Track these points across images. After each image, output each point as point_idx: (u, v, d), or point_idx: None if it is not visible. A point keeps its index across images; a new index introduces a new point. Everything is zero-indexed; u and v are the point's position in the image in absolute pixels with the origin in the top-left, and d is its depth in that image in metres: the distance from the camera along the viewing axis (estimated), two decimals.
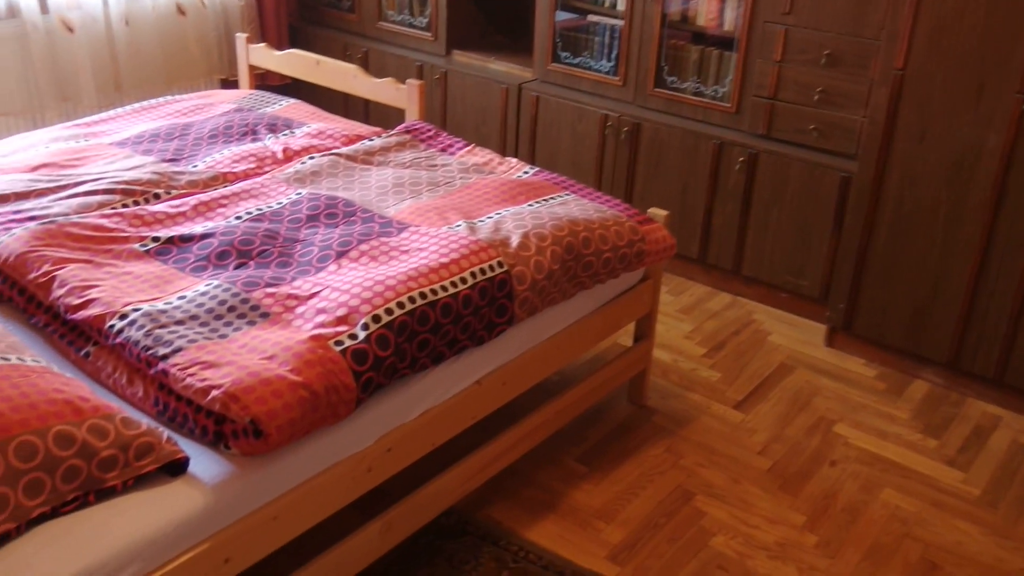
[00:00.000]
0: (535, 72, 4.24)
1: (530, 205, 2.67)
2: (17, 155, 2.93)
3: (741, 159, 3.60)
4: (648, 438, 2.94)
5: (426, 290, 2.15)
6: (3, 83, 3.89)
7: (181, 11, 4.41)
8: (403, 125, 3.34)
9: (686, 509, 2.64)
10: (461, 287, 2.21)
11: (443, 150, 3.17)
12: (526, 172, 3.00)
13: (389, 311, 2.05)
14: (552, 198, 2.75)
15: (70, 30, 3.98)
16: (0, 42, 3.85)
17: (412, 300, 2.11)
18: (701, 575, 2.41)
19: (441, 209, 2.62)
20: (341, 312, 2.04)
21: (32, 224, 2.31)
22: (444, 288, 2.19)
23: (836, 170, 3.39)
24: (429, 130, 3.29)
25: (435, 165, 3.00)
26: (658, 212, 2.87)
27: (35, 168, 2.79)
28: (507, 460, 2.53)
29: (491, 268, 2.30)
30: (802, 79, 3.42)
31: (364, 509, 2.21)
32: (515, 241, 2.42)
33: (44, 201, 2.54)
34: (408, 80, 3.56)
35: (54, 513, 1.62)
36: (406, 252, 2.34)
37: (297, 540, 1.95)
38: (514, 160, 3.09)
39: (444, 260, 2.27)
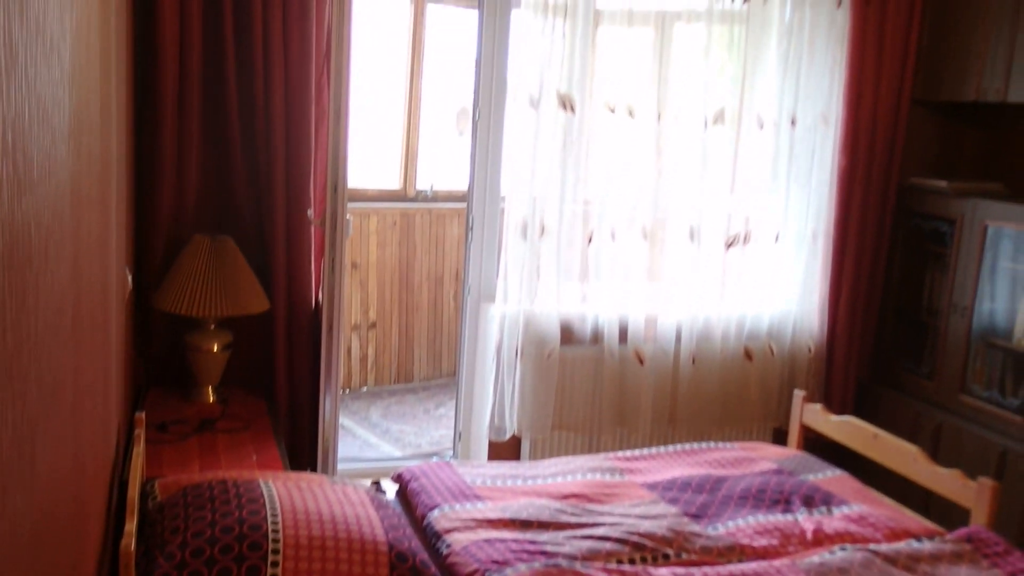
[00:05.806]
0: None
1: None
2: (558, 478, 3.06)
3: None
4: None
5: None
6: (573, 400, 4.21)
7: (748, 356, 4.45)
8: (965, 530, 2.82)
9: None
10: None
11: (1011, 575, 2.58)
12: None
13: None
14: None
15: (641, 362, 4.23)
16: (582, 363, 4.21)
17: None
18: None
19: None
20: None
21: (537, 564, 2.31)
22: None
23: None
24: (997, 544, 2.72)
25: None
26: None
27: (566, 497, 2.86)
28: None
29: None
30: None
31: None
32: None
33: (560, 536, 2.56)
34: (980, 478, 3.02)
35: None
36: None
37: None
38: None
39: None
